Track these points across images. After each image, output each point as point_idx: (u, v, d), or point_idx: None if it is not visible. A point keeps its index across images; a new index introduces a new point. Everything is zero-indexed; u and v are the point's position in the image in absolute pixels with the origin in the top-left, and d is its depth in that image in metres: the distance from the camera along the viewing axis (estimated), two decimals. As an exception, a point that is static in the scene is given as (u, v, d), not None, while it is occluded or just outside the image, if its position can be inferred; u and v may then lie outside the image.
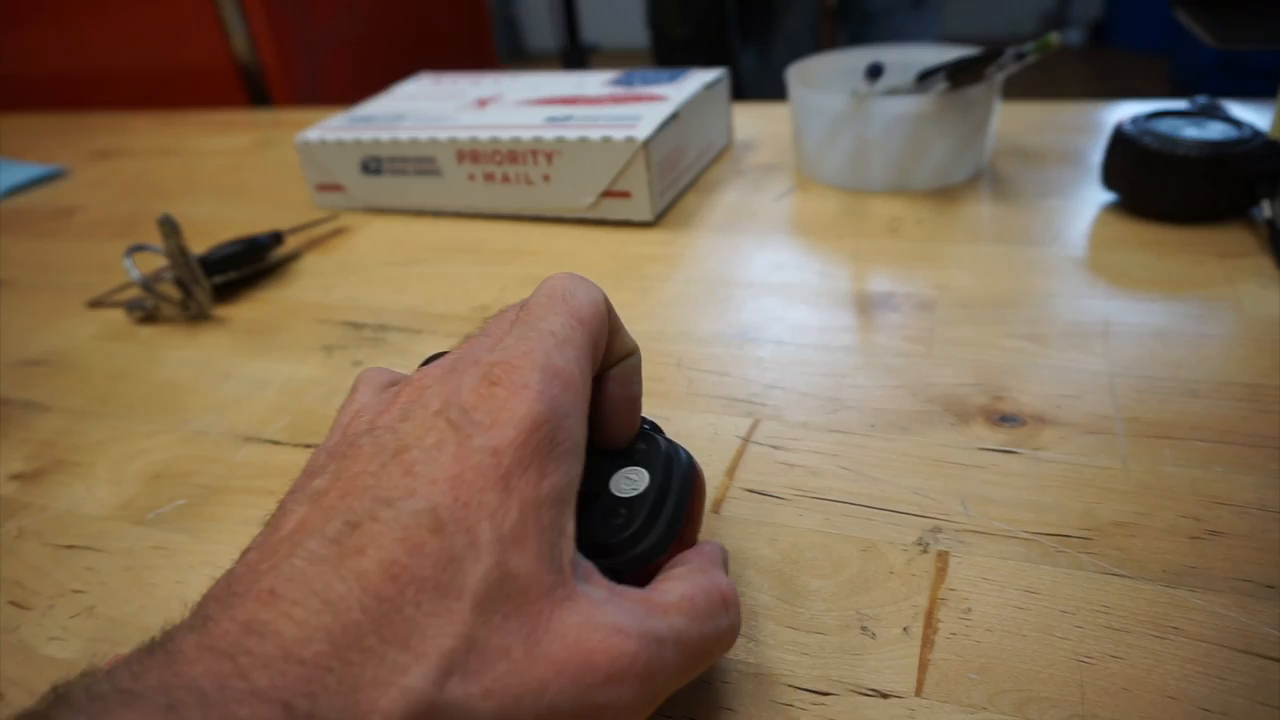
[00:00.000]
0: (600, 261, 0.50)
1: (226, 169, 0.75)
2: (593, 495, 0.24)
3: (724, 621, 0.23)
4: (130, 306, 0.50)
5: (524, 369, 0.21)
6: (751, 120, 0.71)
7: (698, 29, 1.48)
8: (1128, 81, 2.79)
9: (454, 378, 0.22)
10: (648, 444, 0.26)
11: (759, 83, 1.59)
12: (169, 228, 0.47)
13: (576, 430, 0.22)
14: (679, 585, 0.23)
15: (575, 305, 0.24)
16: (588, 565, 0.22)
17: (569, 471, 0.21)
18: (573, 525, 0.21)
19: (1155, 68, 2.86)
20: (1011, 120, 0.63)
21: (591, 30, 2.19)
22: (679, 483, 0.25)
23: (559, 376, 0.22)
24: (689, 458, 0.26)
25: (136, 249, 0.49)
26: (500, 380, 0.21)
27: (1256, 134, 0.45)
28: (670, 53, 1.56)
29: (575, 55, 1.58)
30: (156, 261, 0.51)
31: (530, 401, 0.21)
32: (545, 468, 0.20)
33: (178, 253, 0.47)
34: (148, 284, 0.48)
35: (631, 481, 0.25)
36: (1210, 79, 2.39)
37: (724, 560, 0.25)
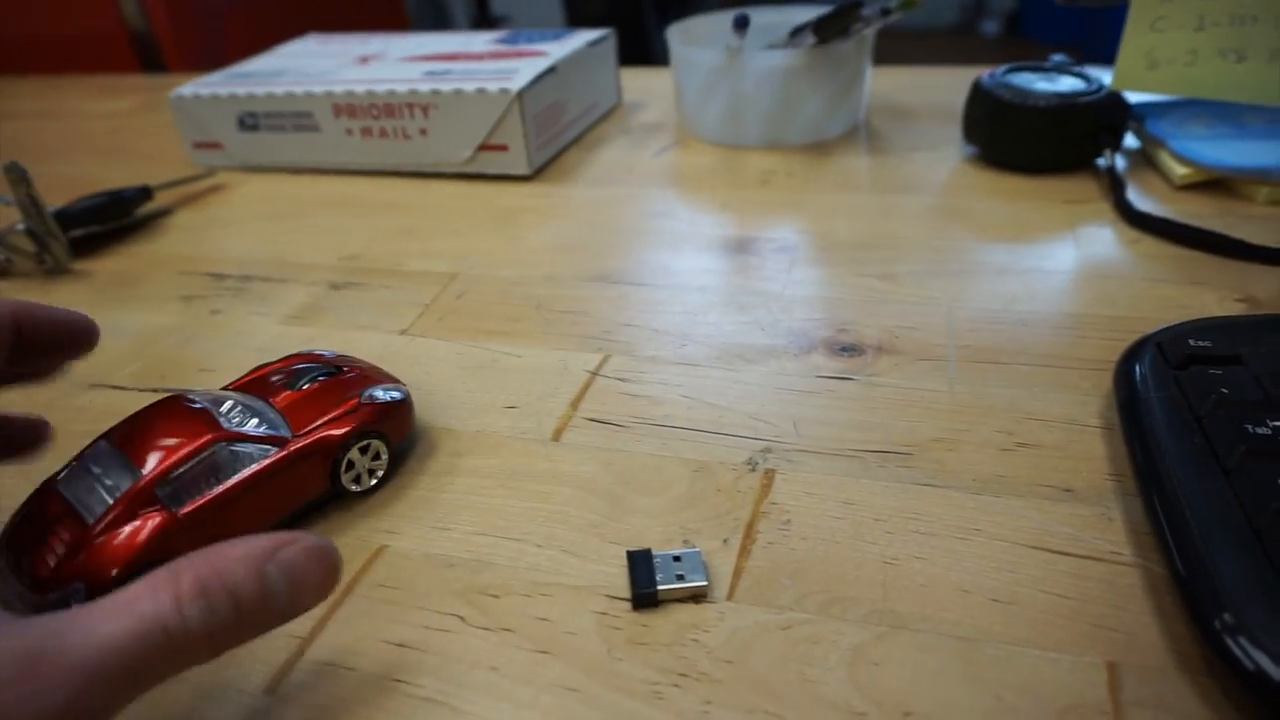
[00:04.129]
0: (474, 211, 0.50)
1: (107, 131, 0.72)
2: None
3: None
4: (-19, 260, 0.48)
5: None
6: (645, 82, 0.71)
7: (612, 4, 1.49)
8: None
9: None
10: None
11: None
12: (16, 175, 0.45)
13: None
14: None
15: None
16: None
17: None
18: None
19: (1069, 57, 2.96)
20: (890, 80, 0.65)
21: (509, 6, 2.17)
22: None
23: None
24: None
25: (-15, 199, 0.47)
26: None
27: (1102, 87, 0.47)
28: (585, 28, 1.56)
29: (486, 26, 1.57)
30: (12, 216, 0.49)
31: None
32: None
33: (28, 203, 0.46)
34: (-2, 235, 0.46)
35: None
36: (1115, 66, 2.48)
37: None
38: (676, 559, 0.26)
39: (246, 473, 0.26)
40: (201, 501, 0.26)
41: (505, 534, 0.28)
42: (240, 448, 0.26)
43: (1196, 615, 0.22)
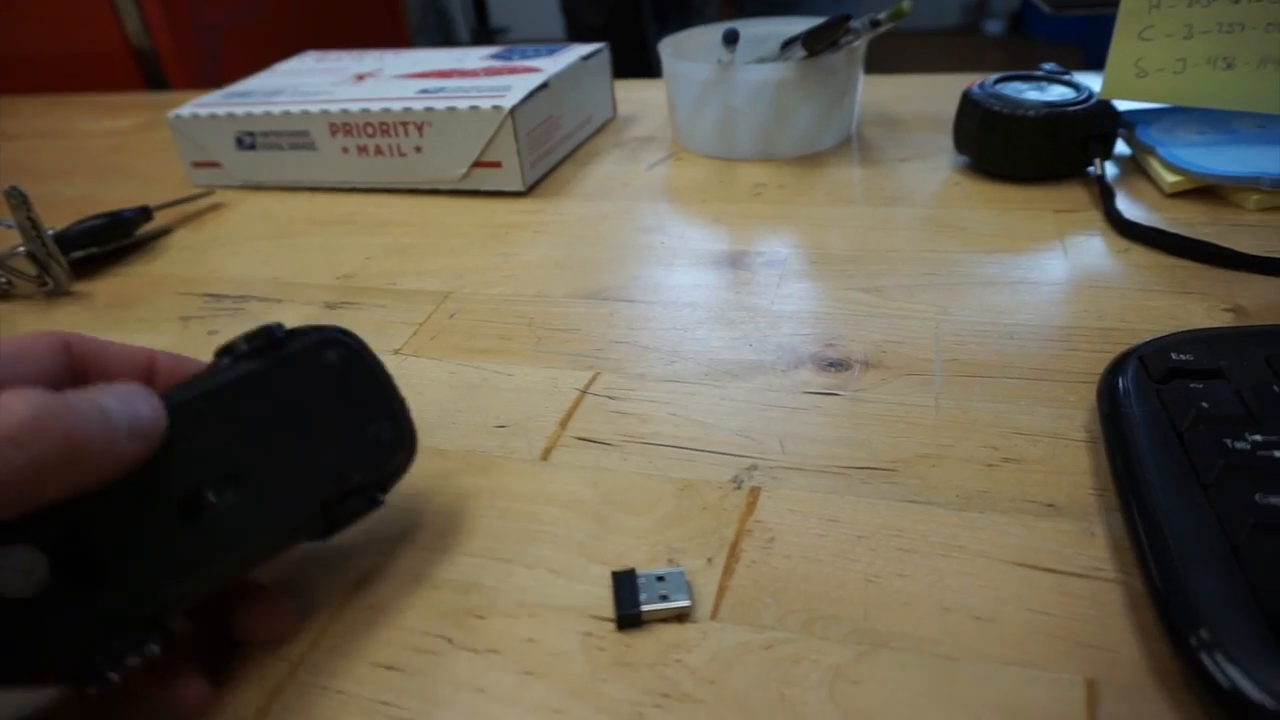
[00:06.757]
0: (468, 229, 0.50)
1: (107, 150, 0.73)
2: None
3: None
4: (-17, 283, 0.49)
5: None
6: (641, 94, 0.72)
7: (611, 15, 1.49)
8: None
9: None
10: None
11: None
12: (16, 200, 0.45)
13: None
14: None
15: None
16: None
17: None
18: None
19: (1072, 55, 2.95)
20: (883, 89, 0.65)
21: (510, 18, 2.18)
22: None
23: None
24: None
25: (-14, 223, 0.48)
26: None
27: (1092, 95, 0.47)
28: (585, 39, 1.57)
29: (485, 39, 1.58)
30: (13, 239, 0.50)
31: None
32: None
33: (28, 226, 0.46)
34: (-1, 259, 0.47)
35: None
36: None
37: None
38: (660, 579, 0.26)
39: None
40: None
41: (493, 555, 0.28)
42: None
43: (1173, 632, 0.22)
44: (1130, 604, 0.24)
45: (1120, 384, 0.29)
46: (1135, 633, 0.24)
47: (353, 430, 0.26)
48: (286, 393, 0.25)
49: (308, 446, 0.25)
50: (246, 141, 0.59)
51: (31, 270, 0.48)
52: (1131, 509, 0.25)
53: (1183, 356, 0.29)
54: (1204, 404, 0.26)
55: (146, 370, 0.26)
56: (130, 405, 0.22)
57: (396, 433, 0.27)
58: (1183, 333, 0.31)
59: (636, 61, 1.07)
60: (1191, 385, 0.27)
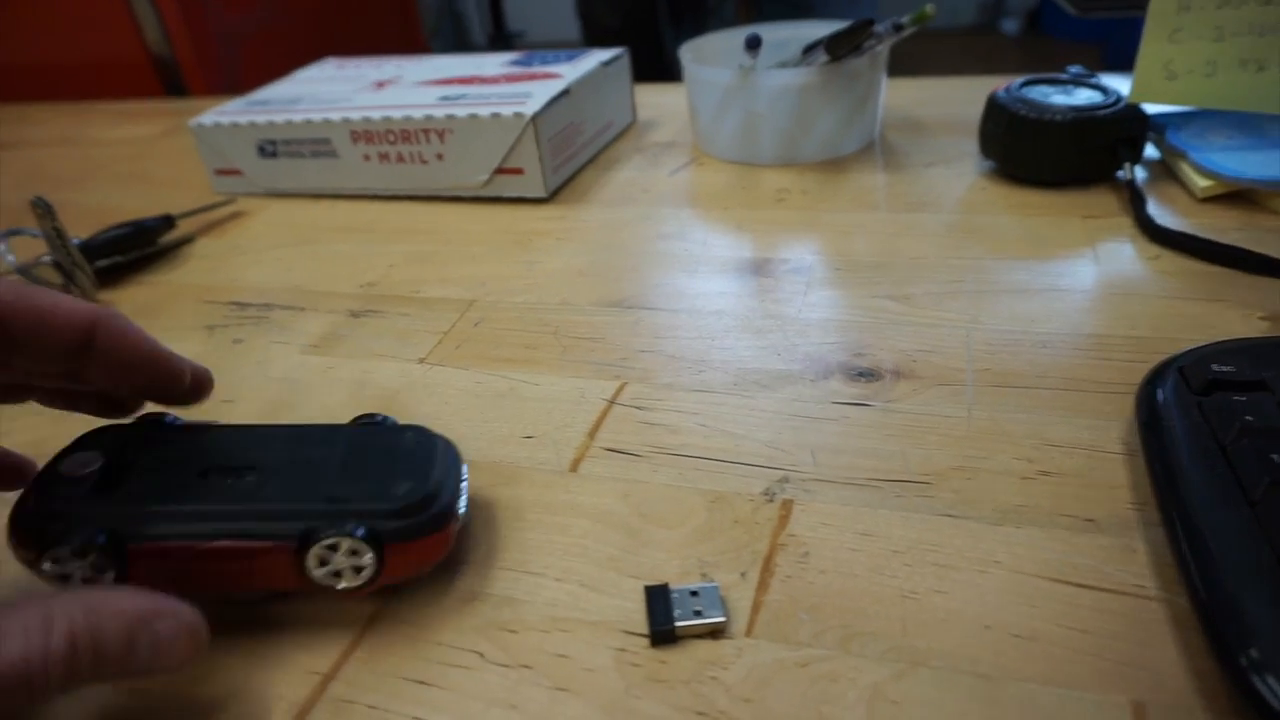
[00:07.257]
0: (491, 236, 0.50)
1: (127, 157, 0.73)
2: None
3: None
4: (9, 292, 0.49)
5: None
6: (659, 98, 0.71)
7: (627, 17, 1.49)
8: (1062, 68, 2.86)
9: None
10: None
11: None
12: (42, 209, 0.46)
13: None
14: None
15: None
16: None
17: None
18: None
19: (1089, 54, 2.93)
20: (906, 93, 0.65)
21: (525, 22, 2.18)
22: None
23: None
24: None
25: (12, 233, 0.48)
26: None
27: (1120, 99, 0.46)
28: (600, 42, 1.57)
29: (501, 43, 1.58)
30: (39, 248, 0.50)
31: None
32: None
33: (54, 235, 0.46)
34: (24, 269, 0.47)
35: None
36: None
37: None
38: (694, 594, 0.26)
39: None
40: None
41: (524, 568, 0.28)
42: None
43: (1221, 651, 0.22)
44: (1174, 622, 0.24)
45: (1159, 396, 0.29)
46: (1180, 652, 0.23)
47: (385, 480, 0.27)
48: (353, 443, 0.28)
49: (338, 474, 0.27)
50: (268, 149, 0.59)
51: (57, 279, 0.48)
52: (1174, 524, 0.25)
53: (1224, 368, 0.28)
54: (1248, 417, 0.26)
55: (86, 334, 0.27)
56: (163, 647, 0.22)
57: (422, 495, 0.26)
58: (1223, 342, 0.30)
59: (653, 64, 1.06)
60: (1234, 398, 0.27)
